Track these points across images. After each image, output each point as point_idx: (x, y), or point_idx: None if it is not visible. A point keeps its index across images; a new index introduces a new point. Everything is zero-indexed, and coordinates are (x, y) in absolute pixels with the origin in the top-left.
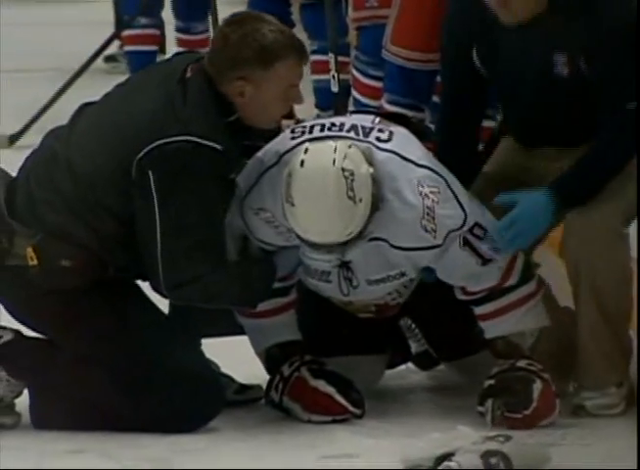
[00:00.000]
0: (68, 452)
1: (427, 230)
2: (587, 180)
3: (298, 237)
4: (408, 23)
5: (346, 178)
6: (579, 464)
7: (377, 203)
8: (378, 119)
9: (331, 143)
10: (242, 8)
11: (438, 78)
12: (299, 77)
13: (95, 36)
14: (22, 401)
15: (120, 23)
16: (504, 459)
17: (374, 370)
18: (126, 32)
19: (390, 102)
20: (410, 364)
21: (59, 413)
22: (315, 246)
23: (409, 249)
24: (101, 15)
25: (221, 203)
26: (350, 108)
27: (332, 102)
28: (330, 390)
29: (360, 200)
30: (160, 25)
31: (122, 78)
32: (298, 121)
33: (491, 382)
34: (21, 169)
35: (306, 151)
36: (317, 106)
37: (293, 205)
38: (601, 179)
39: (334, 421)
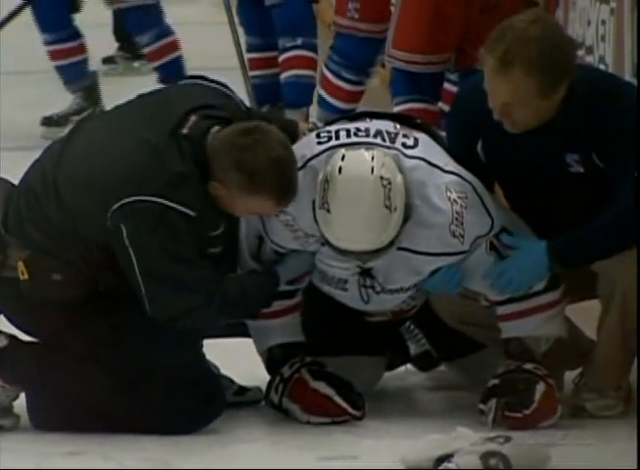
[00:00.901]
0: (68, 454)
1: (455, 235)
2: (588, 248)
3: (328, 243)
4: (408, 27)
5: (384, 187)
6: (579, 464)
7: (408, 211)
8: (398, 125)
9: (367, 151)
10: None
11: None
12: (271, 213)
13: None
14: (22, 403)
15: (119, 27)
16: (503, 460)
17: (373, 372)
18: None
19: (398, 103)
20: (409, 366)
21: (57, 415)
22: (345, 253)
23: (435, 254)
24: (101, 17)
25: (202, 248)
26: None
27: (269, 98)
28: (329, 391)
29: (395, 209)
30: None
31: (119, 81)
32: (314, 125)
33: (496, 382)
34: (21, 180)
35: (343, 158)
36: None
37: (328, 211)
38: (602, 250)
39: (333, 423)
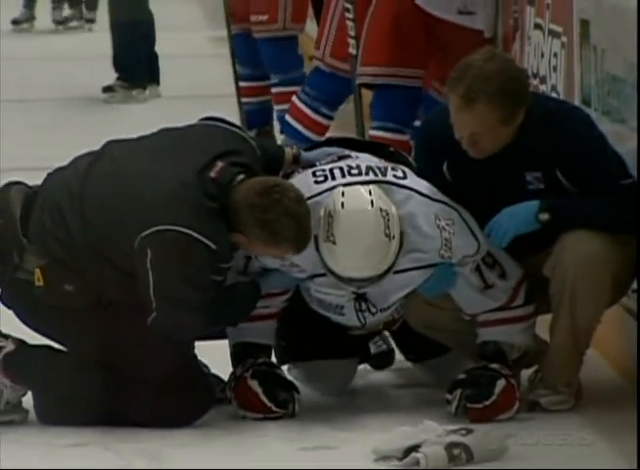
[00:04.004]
0: (72, 446)
1: (444, 258)
2: (577, 206)
3: (332, 273)
4: (372, 44)
5: (384, 217)
6: (579, 464)
7: (403, 239)
8: (382, 160)
9: (364, 187)
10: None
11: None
12: (281, 258)
13: (93, 69)
14: (29, 399)
15: (118, 59)
16: (466, 450)
17: (348, 372)
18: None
19: (375, 128)
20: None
21: (61, 411)
22: (349, 281)
23: (422, 267)
24: (101, 49)
25: (212, 279)
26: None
27: (258, 122)
28: (258, 390)
29: (393, 237)
30: None
31: (118, 108)
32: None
33: (462, 376)
34: (40, 187)
35: (343, 194)
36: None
37: (334, 243)
38: (589, 215)
39: (265, 418)
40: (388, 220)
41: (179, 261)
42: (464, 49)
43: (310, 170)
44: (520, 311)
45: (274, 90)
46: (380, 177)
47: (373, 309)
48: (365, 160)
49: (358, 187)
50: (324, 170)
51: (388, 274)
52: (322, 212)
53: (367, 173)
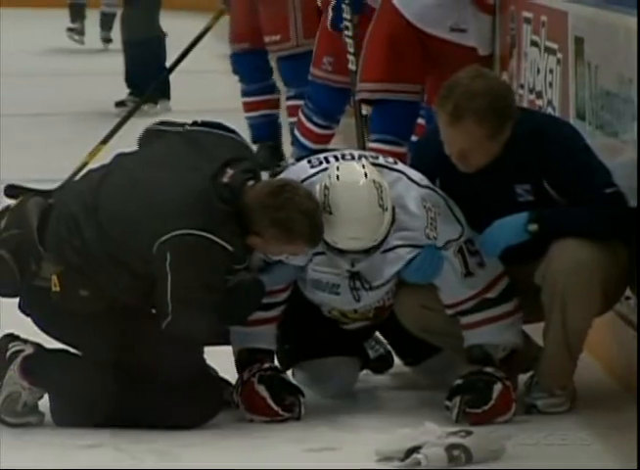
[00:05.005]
0: (86, 447)
1: (429, 238)
2: (565, 216)
3: (328, 246)
4: (370, 62)
5: (377, 189)
6: (579, 464)
7: (394, 215)
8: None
9: (358, 162)
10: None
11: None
12: (297, 254)
13: (107, 86)
14: (45, 402)
15: (130, 75)
16: (465, 451)
17: (350, 372)
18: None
19: (373, 140)
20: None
21: (76, 413)
22: (344, 253)
23: (410, 246)
24: (115, 66)
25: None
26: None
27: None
28: (265, 395)
29: (386, 208)
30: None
31: (130, 122)
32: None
33: (460, 382)
34: (56, 200)
35: (338, 168)
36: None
37: (330, 213)
38: (577, 224)
39: (272, 421)
40: (382, 192)
41: (198, 263)
42: (458, 65)
43: (305, 159)
44: (499, 310)
45: (289, 103)
46: (372, 160)
47: (367, 285)
48: (359, 152)
49: (352, 162)
50: (319, 158)
51: (381, 247)
52: (318, 187)
53: (360, 158)
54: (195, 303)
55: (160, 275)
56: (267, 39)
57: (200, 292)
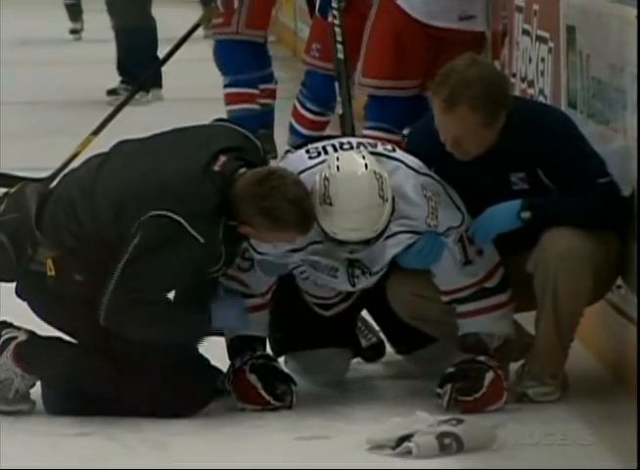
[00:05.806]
0: (78, 435)
1: (430, 226)
2: (558, 205)
3: (327, 236)
4: (374, 58)
5: (377, 180)
6: (579, 464)
7: (394, 205)
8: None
9: (358, 153)
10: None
11: None
12: (293, 241)
13: (99, 74)
14: (37, 390)
15: (122, 63)
16: (456, 440)
17: (341, 362)
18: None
19: (368, 128)
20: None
21: (68, 401)
22: (344, 244)
23: (410, 232)
24: (107, 53)
25: (185, 282)
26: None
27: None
28: (257, 384)
29: (387, 199)
30: None
31: (123, 110)
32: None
33: (452, 369)
34: (57, 185)
35: (338, 159)
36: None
37: (331, 204)
38: (570, 213)
39: (263, 410)
40: (382, 183)
41: (160, 247)
42: (467, 50)
43: (303, 149)
44: (496, 299)
45: (225, 91)
46: (370, 149)
47: (366, 271)
48: (357, 138)
49: (352, 152)
50: (317, 147)
51: (381, 237)
52: (317, 178)
53: (358, 147)
54: (139, 289)
55: (122, 253)
56: (213, 21)
57: (149, 277)
